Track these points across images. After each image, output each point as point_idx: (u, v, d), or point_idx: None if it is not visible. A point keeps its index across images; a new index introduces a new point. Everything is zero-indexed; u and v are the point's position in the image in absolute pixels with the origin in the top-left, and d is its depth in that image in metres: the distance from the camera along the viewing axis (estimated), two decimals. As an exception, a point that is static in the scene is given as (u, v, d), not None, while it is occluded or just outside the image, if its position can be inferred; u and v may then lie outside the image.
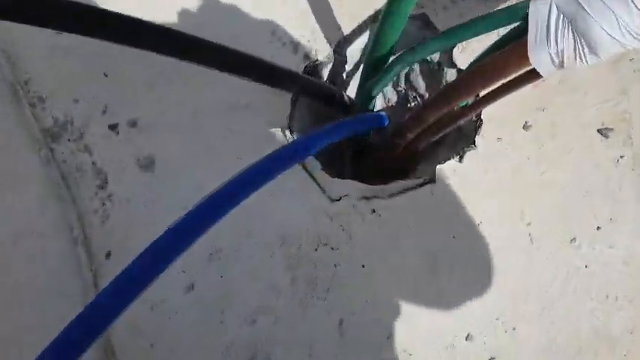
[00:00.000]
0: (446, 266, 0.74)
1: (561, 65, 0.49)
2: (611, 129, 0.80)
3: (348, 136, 0.67)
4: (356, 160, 0.99)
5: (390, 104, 1.08)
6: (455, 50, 0.85)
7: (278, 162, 0.55)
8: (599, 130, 0.81)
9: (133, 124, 0.80)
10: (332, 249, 0.74)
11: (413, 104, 0.99)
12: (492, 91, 0.66)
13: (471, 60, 0.71)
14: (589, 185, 0.78)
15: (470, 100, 0.74)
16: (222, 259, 0.73)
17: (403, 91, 1.01)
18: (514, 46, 0.54)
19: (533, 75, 0.60)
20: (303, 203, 0.76)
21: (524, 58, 0.51)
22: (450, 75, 0.86)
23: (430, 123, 0.73)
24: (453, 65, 0.85)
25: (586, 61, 0.46)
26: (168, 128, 0.79)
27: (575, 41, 0.45)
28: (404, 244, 0.75)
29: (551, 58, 0.47)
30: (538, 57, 0.49)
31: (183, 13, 0.84)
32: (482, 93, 0.64)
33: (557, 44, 0.47)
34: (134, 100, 0.81)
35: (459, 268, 0.74)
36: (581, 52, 0.46)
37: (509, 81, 0.62)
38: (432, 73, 0.91)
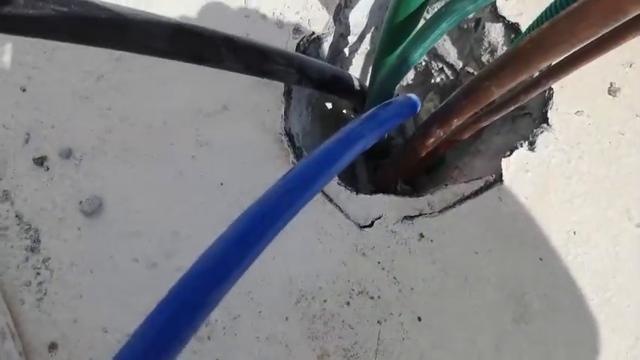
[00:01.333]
0: (537, 307, 0.51)
1: None
2: None
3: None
4: (374, 165, 0.76)
5: (403, 83, 0.85)
6: (499, -2, 0.61)
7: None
8: None
9: (67, 154, 0.56)
10: (371, 298, 0.52)
11: (439, 79, 0.76)
12: (593, 43, 0.44)
13: (530, 8, 0.49)
14: None
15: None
16: (215, 338, 0.50)
17: (423, 63, 0.77)
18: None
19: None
20: (321, 238, 0.53)
21: None
22: (495, 33, 0.63)
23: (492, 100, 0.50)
24: (499, 18, 0.61)
25: None
26: (116, 155, 0.56)
27: None
28: (473, 281, 0.52)
29: None
30: None
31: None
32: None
33: None
34: (66, 122, 0.57)
35: (555, 307, 0.51)
36: None
37: (626, 25, 0.40)
38: (466, 33, 0.67)
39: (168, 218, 0.53)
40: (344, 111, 0.79)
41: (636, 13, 0.37)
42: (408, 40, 0.49)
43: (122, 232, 0.54)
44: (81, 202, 0.55)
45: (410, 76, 0.80)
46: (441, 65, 0.72)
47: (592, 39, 0.40)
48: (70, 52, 0.59)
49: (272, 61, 0.47)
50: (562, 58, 0.46)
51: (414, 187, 0.77)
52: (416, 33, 0.46)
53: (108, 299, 0.52)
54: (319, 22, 0.60)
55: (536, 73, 0.49)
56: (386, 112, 0.45)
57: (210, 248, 0.27)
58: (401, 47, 0.49)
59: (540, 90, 0.50)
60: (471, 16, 0.65)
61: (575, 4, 0.39)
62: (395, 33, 0.51)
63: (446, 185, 0.56)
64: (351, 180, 0.82)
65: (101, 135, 0.56)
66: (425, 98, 0.80)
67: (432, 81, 0.75)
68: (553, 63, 0.48)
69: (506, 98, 0.53)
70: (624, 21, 0.38)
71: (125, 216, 0.54)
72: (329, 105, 0.79)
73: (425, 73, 0.77)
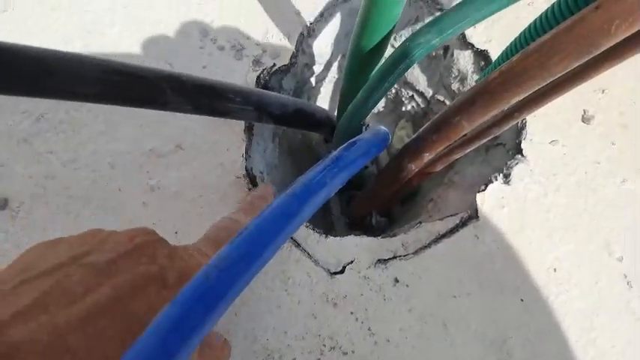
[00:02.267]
0: (520, 355, 0.48)
1: None
2: (701, 104, 0.57)
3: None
4: (347, 196, 0.73)
5: (374, 110, 0.82)
6: (467, 25, 0.59)
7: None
8: (684, 109, 0.57)
9: (3, 205, 0.51)
10: (344, 354, 0.47)
11: (410, 107, 0.73)
12: (566, 75, 0.42)
13: (498, 34, 0.46)
14: (690, 189, 0.54)
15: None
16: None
17: (393, 90, 0.75)
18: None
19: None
20: (289, 289, 0.49)
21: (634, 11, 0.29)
22: (464, 61, 0.60)
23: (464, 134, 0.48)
24: (468, 46, 0.59)
25: None
26: (58, 205, 0.50)
27: None
28: (453, 329, 0.48)
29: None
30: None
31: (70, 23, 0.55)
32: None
33: None
34: (1, 169, 0.52)
35: (537, 352, 0.48)
36: None
37: (600, 56, 0.38)
38: (435, 61, 0.65)
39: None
40: (313, 142, 0.76)
41: (610, 45, 0.34)
42: (373, 73, 0.46)
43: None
44: (19, 259, 0.49)
45: (381, 103, 0.77)
46: (411, 93, 0.70)
47: (564, 72, 0.38)
48: (6, 90, 0.53)
49: (226, 100, 0.43)
50: (535, 91, 0.44)
51: (389, 218, 0.74)
52: (380, 67, 0.43)
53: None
54: (281, 52, 0.57)
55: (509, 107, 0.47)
56: (351, 153, 0.41)
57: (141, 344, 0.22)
58: (367, 81, 0.45)
59: (513, 122, 0.47)
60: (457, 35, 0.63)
61: (546, 37, 0.37)
62: (359, 66, 0.48)
63: (420, 223, 0.53)
64: (324, 213, 0.79)
65: (41, 182, 0.51)
66: (397, 126, 0.78)
67: (403, 109, 0.73)
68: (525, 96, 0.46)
69: (479, 131, 0.50)
70: (598, 53, 0.35)
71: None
72: (299, 136, 0.75)
73: (395, 101, 0.74)
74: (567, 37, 0.36)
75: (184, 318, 0.23)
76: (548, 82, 0.40)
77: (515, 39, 0.44)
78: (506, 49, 0.46)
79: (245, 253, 0.29)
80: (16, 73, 0.28)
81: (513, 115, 0.47)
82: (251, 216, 0.35)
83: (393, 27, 0.43)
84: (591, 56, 0.36)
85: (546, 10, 0.42)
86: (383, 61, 0.46)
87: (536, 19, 0.43)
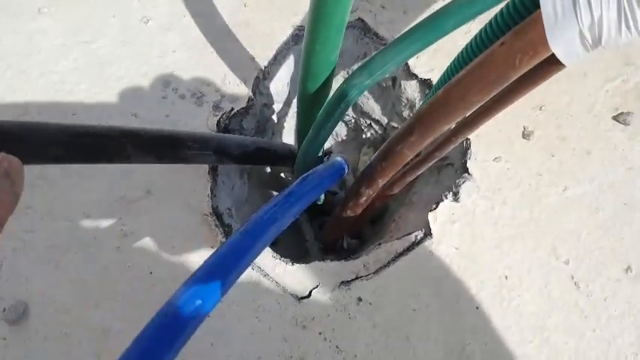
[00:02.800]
0: (480, 356, 0.51)
1: (596, 44, 0.31)
2: (629, 112, 0.62)
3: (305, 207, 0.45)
4: (319, 222, 0.76)
5: (338, 139, 0.86)
6: (410, 57, 0.64)
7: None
8: (614, 118, 0.62)
9: (-15, 259, 0.54)
10: (315, 373, 0.51)
11: (369, 134, 0.78)
12: (490, 102, 0.46)
13: (439, 63, 0.51)
14: (625, 192, 0.59)
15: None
16: None
17: (353, 120, 0.80)
18: (517, 31, 0.35)
19: (549, 68, 0.41)
20: (259, 316, 0.52)
21: (535, 45, 0.34)
22: (411, 90, 0.65)
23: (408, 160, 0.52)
24: (412, 76, 0.64)
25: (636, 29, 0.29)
26: (38, 255, 0.54)
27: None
28: (415, 340, 0.52)
29: (582, 36, 0.31)
30: (561, 37, 0.32)
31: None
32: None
33: (591, 12, 0.29)
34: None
35: (495, 354, 0.52)
36: (631, 15, 0.29)
37: (516, 83, 0.43)
38: (386, 91, 0.70)
39: (96, 316, 0.51)
40: (282, 174, 0.80)
41: (518, 76, 0.39)
42: (320, 112, 0.50)
43: (50, 336, 0.51)
44: (4, 310, 0.52)
45: (343, 132, 0.82)
46: (368, 121, 0.74)
47: (484, 101, 0.43)
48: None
49: (185, 147, 0.47)
50: (464, 116, 0.48)
51: (360, 240, 0.78)
52: (324, 107, 0.47)
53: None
54: (238, 96, 0.61)
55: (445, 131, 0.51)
56: (302, 188, 0.45)
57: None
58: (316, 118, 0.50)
59: (453, 145, 0.52)
60: (387, 75, 0.68)
61: (463, 72, 0.41)
62: (308, 105, 0.52)
63: (379, 244, 0.57)
64: (298, 239, 0.82)
65: (22, 236, 0.54)
66: (361, 152, 0.82)
67: (364, 136, 0.77)
68: (456, 122, 0.50)
69: (424, 155, 0.55)
70: (515, 79, 0.40)
71: (52, 319, 0.51)
72: (267, 169, 0.80)
73: (356, 129, 0.79)
74: (480, 71, 0.41)
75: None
76: (474, 109, 0.44)
77: (443, 73, 0.49)
78: (438, 80, 0.51)
79: (204, 288, 0.32)
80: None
81: (451, 140, 0.52)
82: None
83: (333, 70, 0.48)
84: (504, 86, 0.41)
85: (466, 46, 0.46)
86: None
87: (458, 54, 0.47)
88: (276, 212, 0.41)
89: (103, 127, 0.40)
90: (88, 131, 0.39)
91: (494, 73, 0.39)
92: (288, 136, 0.78)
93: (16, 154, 0.35)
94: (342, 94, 0.45)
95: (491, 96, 0.42)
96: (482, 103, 0.44)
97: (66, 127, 0.38)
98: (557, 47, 0.34)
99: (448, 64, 0.47)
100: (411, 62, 0.64)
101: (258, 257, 0.55)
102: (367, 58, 0.43)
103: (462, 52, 0.47)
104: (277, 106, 0.69)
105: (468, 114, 0.47)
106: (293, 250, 0.79)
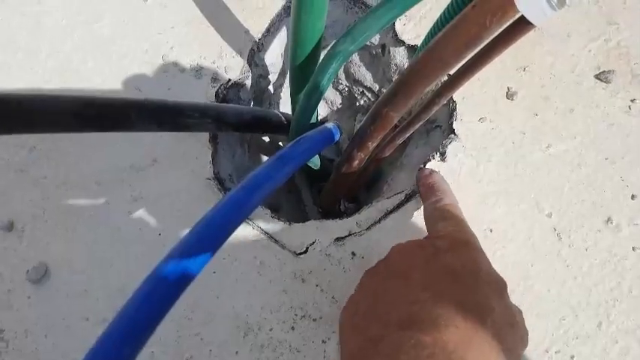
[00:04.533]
0: (465, 302, 0.55)
1: (562, 3, 0.33)
2: (611, 71, 0.64)
3: (294, 172, 0.48)
4: (318, 188, 0.80)
5: (333, 108, 0.89)
6: (397, 24, 0.67)
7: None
8: (597, 76, 0.65)
9: (9, 227, 0.59)
10: (314, 320, 0.55)
11: (362, 102, 0.81)
12: (468, 62, 0.49)
13: (426, 30, 0.54)
14: (606, 148, 0.62)
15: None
16: (170, 381, 0.53)
17: (346, 88, 0.82)
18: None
19: (520, 27, 0.43)
20: (261, 271, 0.57)
21: (503, 5, 0.36)
22: (400, 56, 0.68)
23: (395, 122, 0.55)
24: (400, 43, 0.67)
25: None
26: (56, 222, 0.58)
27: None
28: (404, 289, 0.56)
29: (546, -5, 0.32)
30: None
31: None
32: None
33: (553, -29, 0.32)
34: (4, 196, 0.60)
35: (481, 299, 0.56)
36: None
37: (491, 44, 0.45)
38: (376, 58, 0.72)
39: (112, 274, 0.56)
40: (280, 143, 0.83)
41: (491, 36, 0.42)
42: (310, 78, 0.53)
43: (70, 293, 0.56)
44: (28, 271, 0.57)
45: (338, 100, 0.85)
46: (361, 89, 0.77)
47: (461, 62, 0.45)
48: None
49: (185, 116, 0.51)
50: (445, 78, 0.51)
51: (357, 203, 0.82)
52: (313, 75, 0.50)
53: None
54: (235, 68, 0.64)
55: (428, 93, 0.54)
56: (294, 149, 0.49)
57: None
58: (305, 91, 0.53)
59: (437, 107, 0.55)
60: (376, 42, 0.71)
61: (440, 34, 0.44)
62: (298, 73, 0.55)
63: (371, 203, 0.61)
64: (298, 205, 0.86)
65: (40, 204, 0.59)
66: (356, 120, 0.85)
67: (357, 104, 0.80)
68: (438, 84, 0.53)
69: (412, 117, 0.58)
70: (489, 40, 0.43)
71: (71, 278, 0.56)
72: (266, 139, 0.83)
73: (350, 97, 0.82)
74: (454, 32, 0.44)
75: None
76: (452, 69, 0.47)
77: (426, 35, 0.52)
78: (420, 44, 0.54)
79: (204, 238, 0.37)
80: (14, 117, 0.36)
81: (435, 101, 0.54)
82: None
83: (321, 37, 0.51)
84: (478, 46, 0.44)
85: (443, 10, 0.49)
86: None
87: (437, 18, 0.50)
88: (270, 171, 0.44)
89: (108, 98, 0.44)
90: (95, 101, 0.43)
91: (466, 35, 0.42)
92: (285, 107, 0.81)
93: (29, 123, 0.39)
94: (329, 60, 0.48)
95: (467, 57, 0.45)
96: (460, 64, 0.47)
97: (74, 97, 0.42)
98: (524, 7, 0.36)
99: (433, 31, 0.50)
100: (398, 29, 0.66)
101: (259, 218, 0.59)
102: (350, 26, 0.46)
103: (440, 16, 0.49)
104: (272, 77, 0.72)
105: (448, 75, 0.50)
106: (295, 215, 0.83)
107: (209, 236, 0.37)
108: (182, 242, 0.36)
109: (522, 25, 0.41)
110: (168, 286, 0.33)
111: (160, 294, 0.33)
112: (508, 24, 0.40)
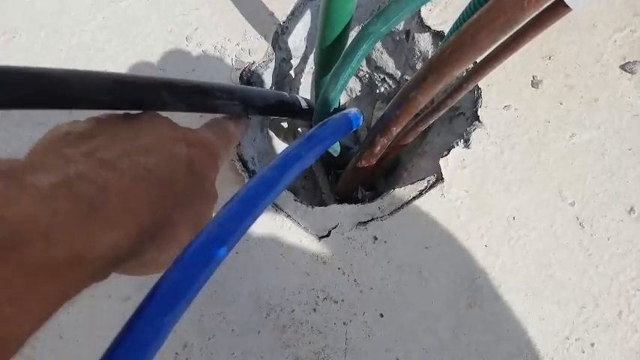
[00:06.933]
0: (487, 291, 0.56)
1: None
2: (636, 61, 0.64)
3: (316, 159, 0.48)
4: (335, 176, 0.80)
5: (352, 95, 0.89)
6: (422, 9, 0.66)
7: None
8: (622, 67, 0.64)
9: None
10: (335, 302, 0.55)
11: (383, 89, 0.81)
12: (499, 48, 0.48)
13: (452, 16, 0.54)
14: (630, 138, 0.62)
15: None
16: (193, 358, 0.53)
17: (367, 75, 0.82)
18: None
19: (556, 11, 0.43)
20: (284, 253, 0.57)
21: None
22: (424, 42, 0.68)
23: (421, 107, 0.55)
24: (426, 28, 0.66)
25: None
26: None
27: None
28: (427, 274, 0.56)
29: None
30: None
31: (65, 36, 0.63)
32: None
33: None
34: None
35: (502, 288, 0.56)
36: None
37: (524, 28, 0.45)
38: (400, 44, 0.72)
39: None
40: (299, 129, 0.83)
41: (527, 19, 0.42)
42: (337, 62, 0.53)
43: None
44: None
45: (357, 87, 0.85)
46: (382, 76, 0.77)
47: (493, 46, 0.45)
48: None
49: (213, 97, 0.50)
50: (475, 63, 0.51)
51: (376, 192, 0.82)
52: (342, 56, 0.50)
53: (87, 336, 0.55)
54: (259, 51, 0.64)
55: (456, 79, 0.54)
56: (322, 132, 0.49)
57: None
58: (329, 75, 0.53)
59: (464, 93, 0.55)
60: (400, 28, 0.70)
61: (474, 16, 0.44)
62: (325, 56, 0.55)
63: (394, 189, 0.61)
64: (315, 191, 0.86)
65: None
66: (375, 107, 0.85)
67: (377, 91, 0.80)
68: (466, 70, 0.53)
69: (437, 103, 0.57)
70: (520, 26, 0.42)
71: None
72: (284, 125, 0.83)
73: (370, 84, 0.81)
74: (490, 14, 0.43)
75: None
76: (484, 54, 0.47)
77: (456, 20, 0.52)
78: (451, 28, 0.53)
79: (241, 210, 0.37)
80: (50, 92, 0.36)
81: (462, 87, 0.54)
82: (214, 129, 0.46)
83: (350, 19, 0.51)
84: (513, 29, 0.43)
85: (476, -6, 0.49)
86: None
87: (470, 2, 0.50)
88: (300, 150, 0.44)
89: (143, 76, 0.44)
90: (129, 79, 0.43)
91: (503, 17, 0.42)
92: (304, 94, 0.81)
93: (66, 98, 0.39)
94: (360, 41, 0.48)
95: (500, 40, 0.45)
96: (491, 49, 0.47)
97: (110, 75, 0.42)
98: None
99: (460, 14, 0.49)
100: (424, 14, 0.66)
101: (283, 201, 0.59)
102: (382, 7, 0.46)
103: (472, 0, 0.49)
104: (295, 62, 0.71)
105: (479, 60, 0.49)
106: (311, 201, 0.83)
107: (244, 211, 0.37)
108: (218, 216, 0.36)
109: (559, 8, 0.40)
110: (209, 256, 0.33)
111: (202, 261, 0.33)
112: (544, 7, 0.40)
